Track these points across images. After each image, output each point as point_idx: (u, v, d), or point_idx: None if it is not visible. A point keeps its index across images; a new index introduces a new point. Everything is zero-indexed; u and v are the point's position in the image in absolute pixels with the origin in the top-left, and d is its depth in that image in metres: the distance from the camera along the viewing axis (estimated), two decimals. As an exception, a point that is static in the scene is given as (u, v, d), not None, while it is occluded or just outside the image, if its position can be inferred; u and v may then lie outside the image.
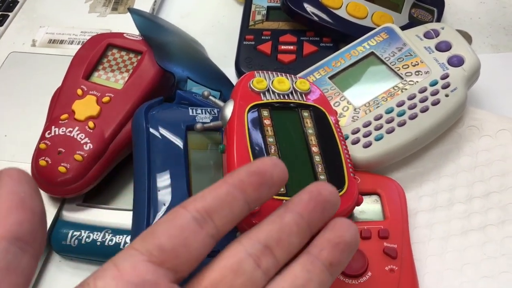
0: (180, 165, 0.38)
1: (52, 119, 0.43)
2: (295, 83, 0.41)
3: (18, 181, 0.23)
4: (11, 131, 0.48)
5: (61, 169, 0.40)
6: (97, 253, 0.40)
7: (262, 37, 0.54)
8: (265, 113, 0.38)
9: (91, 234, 0.40)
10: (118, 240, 0.40)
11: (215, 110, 0.42)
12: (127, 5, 0.59)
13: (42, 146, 0.41)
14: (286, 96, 0.40)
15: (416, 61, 0.45)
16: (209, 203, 0.25)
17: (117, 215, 0.42)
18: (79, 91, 0.44)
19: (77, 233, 0.40)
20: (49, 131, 0.42)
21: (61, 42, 0.56)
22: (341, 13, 0.53)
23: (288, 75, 0.41)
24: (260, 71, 0.41)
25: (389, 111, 0.43)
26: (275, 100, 0.39)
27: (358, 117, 0.43)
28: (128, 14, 0.51)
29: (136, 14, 0.50)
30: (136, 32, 0.51)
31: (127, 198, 0.43)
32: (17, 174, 0.23)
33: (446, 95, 0.43)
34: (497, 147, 0.44)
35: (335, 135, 0.39)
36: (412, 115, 0.42)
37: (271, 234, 0.25)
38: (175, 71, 0.45)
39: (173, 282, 0.24)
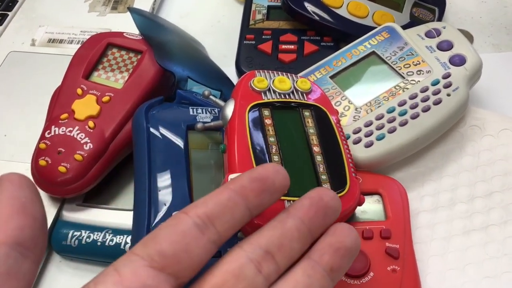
0: (180, 165, 0.38)
1: (52, 119, 0.42)
2: (296, 82, 0.41)
3: (19, 186, 0.23)
4: (11, 131, 0.48)
5: (61, 169, 0.40)
6: (97, 253, 0.40)
7: (263, 37, 0.54)
8: (266, 112, 0.38)
9: (91, 234, 0.40)
10: (119, 240, 0.40)
11: (216, 110, 0.42)
12: (127, 5, 0.59)
13: (42, 146, 0.41)
14: (287, 96, 0.40)
15: (418, 61, 0.45)
16: (210, 209, 0.25)
17: (117, 215, 0.41)
18: (79, 91, 0.44)
19: (77, 233, 0.40)
20: (49, 131, 0.41)
21: (61, 41, 0.56)
22: (342, 12, 0.53)
23: (289, 74, 0.41)
24: (261, 71, 0.40)
25: (391, 110, 0.43)
26: (276, 100, 0.39)
27: (359, 117, 0.43)
28: (128, 13, 0.51)
29: (136, 14, 0.50)
30: (136, 31, 0.50)
31: (127, 198, 0.43)
32: (18, 179, 0.23)
33: (448, 95, 0.43)
34: (499, 147, 0.44)
35: (337, 135, 0.39)
36: (413, 115, 0.42)
37: (273, 240, 0.25)
38: (176, 70, 0.45)
39: (174, 286, 0.23)
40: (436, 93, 0.43)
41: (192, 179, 0.39)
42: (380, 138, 0.41)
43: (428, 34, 0.47)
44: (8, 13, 0.60)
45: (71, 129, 0.41)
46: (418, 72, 0.45)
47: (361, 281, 0.35)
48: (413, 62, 0.45)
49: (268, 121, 0.38)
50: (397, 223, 0.38)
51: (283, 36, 0.54)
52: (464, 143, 0.44)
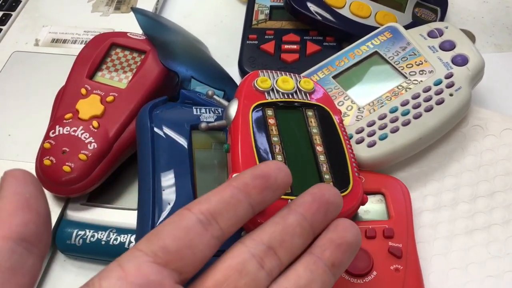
0: (184, 165, 0.38)
1: (56, 119, 0.43)
2: (299, 82, 0.41)
3: (23, 182, 0.23)
4: (15, 131, 0.48)
5: (66, 168, 0.40)
6: (101, 252, 0.40)
7: (265, 37, 0.54)
8: (269, 112, 0.38)
9: (95, 234, 0.40)
10: (123, 240, 0.40)
11: (219, 110, 0.42)
12: (130, 5, 0.59)
13: (47, 145, 0.41)
14: (290, 96, 0.40)
15: (420, 60, 0.45)
16: (214, 206, 0.25)
17: (121, 215, 0.42)
18: (83, 91, 0.44)
19: (82, 233, 0.40)
20: (53, 131, 0.42)
21: (64, 41, 0.56)
22: (345, 12, 0.53)
23: (292, 74, 0.41)
24: (264, 71, 0.41)
25: (393, 110, 0.43)
26: (279, 100, 0.39)
27: (362, 116, 0.43)
28: (131, 13, 0.51)
29: (140, 14, 0.50)
30: (139, 31, 0.51)
31: (131, 197, 0.43)
32: (22, 175, 0.24)
33: (450, 94, 0.43)
34: (501, 147, 0.44)
35: (340, 135, 0.39)
36: (416, 115, 0.42)
37: (275, 235, 0.26)
38: (179, 70, 0.45)
39: (177, 283, 0.24)
40: (438, 93, 0.43)
41: (195, 179, 0.39)
42: (382, 137, 0.42)
43: (431, 34, 0.48)
44: (12, 13, 0.60)
45: (76, 128, 0.42)
46: (421, 72, 0.45)
47: (364, 280, 0.36)
48: (416, 62, 0.45)
49: (271, 121, 0.38)
50: (400, 223, 0.38)
51: (285, 36, 0.54)
52: (466, 143, 0.45)
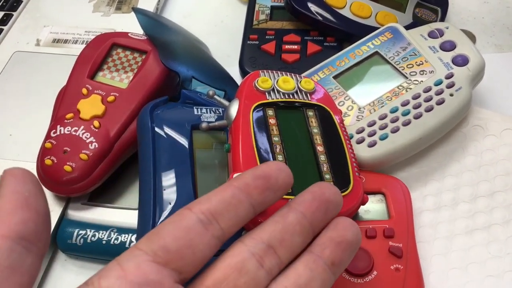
0: (185, 164, 0.38)
1: (57, 118, 0.43)
2: (300, 82, 0.41)
3: (22, 181, 0.23)
4: (16, 130, 0.49)
5: (67, 168, 0.40)
6: (102, 252, 0.40)
7: (266, 37, 0.54)
8: (270, 112, 0.38)
9: (96, 233, 0.40)
10: (124, 239, 0.40)
11: (220, 110, 0.43)
12: (131, 5, 0.59)
13: (48, 145, 0.41)
14: (291, 96, 0.40)
15: (421, 61, 0.45)
16: (214, 206, 0.25)
17: (122, 214, 0.42)
18: (84, 91, 0.44)
19: (83, 232, 0.41)
20: (54, 130, 0.42)
21: (65, 41, 0.56)
22: (345, 12, 0.53)
23: (293, 74, 0.41)
24: (265, 71, 0.41)
25: (394, 110, 0.43)
26: (280, 100, 0.39)
27: (362, 117, 0.43)
28: (132, 13, 0.52)
29: (141, 14, 0.50)
30: (140, 31, 0.51)
31: (132, 197, 0.43)
32: (21, 173, 0.24)
33: (451, 95, 0.43)
34: (501, 147, 0.44)
35: (340, 135, 0.39)
36: (416, 115, 0.42)
37: (274, 234, 0.26)
38: (180, 70, 0.45)
39: (177, 283, 0.24)
40: (439, 93, 0.43)
41: (196, 179, 0.39)
42: (383, 137, 0.42)
43: (431, 35, 0.48)
44: (13, 13, 0.60)
45: (77, 128, 0.42)
46: (421, 72, 0.45)
47: (364, 280, 0.36)
48: (416, 62, 0.45)
49: (272, 121, 0.38)
50: (400, 222, 0.39)
51: (286, 36, 0.54)
52: (466, 143, 0.45)
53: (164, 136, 0.39)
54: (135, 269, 0.23)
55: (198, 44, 0.55)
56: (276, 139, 0.37)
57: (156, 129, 0.39)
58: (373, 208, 0.40)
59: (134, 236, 0.40)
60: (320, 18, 0.53)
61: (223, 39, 0.58)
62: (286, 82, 0.40)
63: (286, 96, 0.40)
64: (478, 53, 0.46)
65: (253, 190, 0.26)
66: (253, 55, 0.53)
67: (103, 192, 0.43)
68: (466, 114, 0.45)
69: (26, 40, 0.57)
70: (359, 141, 0.42)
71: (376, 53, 0.47)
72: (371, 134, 0.42)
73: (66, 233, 0.41)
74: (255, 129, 0.37)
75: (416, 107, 0.43)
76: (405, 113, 0.43)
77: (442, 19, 0.55)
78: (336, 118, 0.40)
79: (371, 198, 0.40)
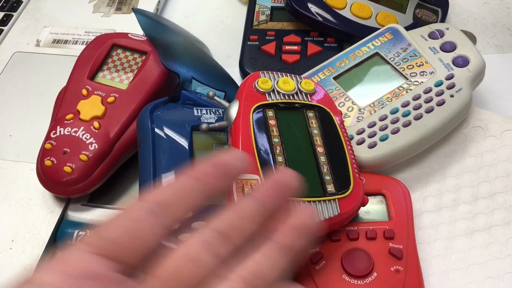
0: (185, 165, 0.38)
1: (57, 119, 0.43)
2: (300, 83, 0.41)
3: None
4: (16, 131, 0.49)
5: (67, 169, 0.40)
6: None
7: (266, 38, 0.54)
8: (270, 113, 0.38)
9: (96, 234, 0.40)
10: (124, 240, 0.40)
11: (220, 111, 0.43)
12: (131, 5, 0.59)
13: (48, 146, 0.41)
14: (291, 97, 0.40)
15: (421, 62, 0.45)
16: (165, 196, 0.25)
17: (122, 215, 0.42)
18: (84, 91, 0.44)
19: (83, 233, 0.40)
20: (54, 131, 0.42)
21: (65, 42, 0.56)
22: (345, 13, 0.53)
23: (293, 75, 0.41)
24: (265, 72, 0.41)
25: (394, 111, 0.43)
26: (280, 101, 0.39)
27: (363, 118, 0.43)
28: (132, 14, 0.52)
29: (141, 14, 0.50)
30: (140, 32, 0.51)
31: (132, 198, 0.43)
32: None
33: (451, 96, 0.43)
34: (502, 148, 0.44)
35: (340, 136, 0.39)
36: (417, 116, 0.42)
37: (228, 221, 0.25)
38: (180, 71, 0.45)
39: (119, 272, 0.23)
40: (439, 94, 0.43)
41: (196, 180, 0.39)
42: (383, 139, 0.42)
43: (431, 35, 0.48)
44: (13, 13, 0.60)
45: (76, 129, 0.42)
46: (422, 73, 0.45)
47: (364, 281, 0.36)
48: (417, 63, 0.45)
49: (272, 122, 0.38)
50: (400, 224, 0.38)
51: (286, 37, 0.54)
52: (467, 144, 0.45)
53: (164, 137, 0.39)
54: (75, 262, 0.23)
55: (198, 44, 0.55)
56: (276, 140, 0.37)
57: (156, 130, 0.39)
58: (374, 209, 0.40)
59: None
60: (320, 18, 0.53)
61: (223, 39, 0.58)
62: (286, 83, 0.40)
63: (286, 97, 0.40)
64: (479, 54, 0.46)
65: (207, 178, 0.26)
66: (253, 56, 0.53)
67: (103, 193, 0.43)
68: (466, 115, 0.45)
69: (26, 40, 0.57)
70: (360, 142, 0.42)
71: (377, 54, 0.47)
72: (371, 135, 0.42)
73: (66, 234, 0.41)
74: (255, 130, 0.37)
75: (417, 108, 0.43)
76: (406, 114, 0.42)
77: (443, 20, 0.55)
78: (336, 119, 0.40)
79: (371, 200, 0.40)
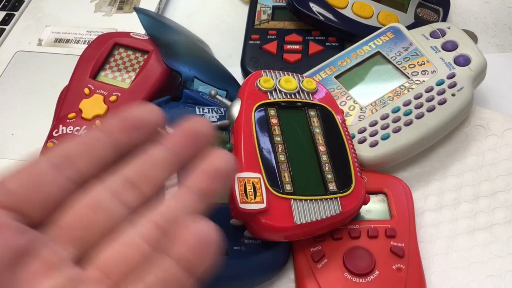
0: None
1: (59, 118, 0.43)
2: (302, 82, 0.41)
3: None
4: (18, 130, 0.49)
5: (69, 167, 0.40)
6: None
7: (268, 37, 0.54)
8: (272, 112, 0.38)
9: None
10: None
11: (222, 109, 0.43)
12: (133, 5, 0.60)
13: (50, 145, 0.41)
14: (293, 95, 0.40)
15: (423, 61, 0.45)
16: (70, 148, 0.24)
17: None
18: (86, 90, 0.44)
19: None
20: (56, 130, 0.42)
21: (67, 41, 0.56)
22: (347, 12, 0.53)
23: (294, 74, 0.41)
24: (267, 71, 0.41)
25: (396, 110, 0.43)
26: (282, 99, 0.39)
27: (364, 116, 0.43)
28: (134, 13, 0.52)
29: (143, 14, 0.50)
30: (142, 31, 0.51)
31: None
32: None
33: (453, 95, 0.43)
34: (503, 147, 0.44)
35: (342, 134, 0.39)
36: (418, 115, 0.42)
37: (135, 169, 0.24)
38: (182, 70, 0.45)
39: (20, 222, 0.23)
40: (441, 93, 0.43)
41: (198, 178, 0.39)
42: (385, 137, 0.42)
43: (433, 35, 0.48)
44: (15, 13, 0.60)
45: (79, 128, 0.42)
46: (423, 72, 0.45)
47: (366, 280, 0.36)
48: (418, 62, 0.45)
49: (274, 121, 0.38)
50: (402, 222, 0.39)
51: (288, 36, 0.54)
52: (468, 143, 0.45)
53: (166, 135, 0.39)
54: None
55: (200, 44, 0.55)
56: (278, 139, 0.37)
57: (158, 129, 0.39)
58: (375, 208, 0.40)
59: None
60: (322, 18, 0.53)
61: (225, 39, 0.58)
62: (288, 82, 0.40)
63: (288, 96, 0.40)
64: (480, 53, 0.46)
65: (115, 130, 0.25)
66: (255, 55, 0.53)
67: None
68: (468, 114, 0.45)
69: (28, 40, 0.57)
70: (361, 141, 0.42)
71: (378, 53, 0.47)
72: (373, 134, 0.42)
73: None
74: (257, 129, 0.37)
75: (418, 107, 0.43)
76: (407, 113, 0.43)
77: (444, 19, 0.55)
78: (338, 118, 0.40)
79: (373, 198, 0.40)
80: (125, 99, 0.44)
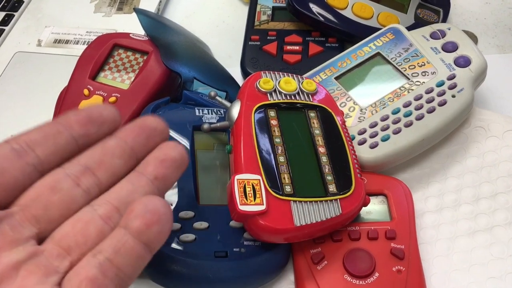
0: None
1: (58, 119, 0.43)
2: (302, 83, 0.41)
3: None
4: (17, 131, 0.48)
5: (68, 169, 0.40)
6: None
7: (268, 38, 0.54)
8: (272, 113, 0.38)
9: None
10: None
11: (222, 111, 0.42)
12: (132, 5, 0.59)
13: (49, 146, 0.41)
14: (292, 97, 0.40)
15: (423, 62, 0.45)
16: (31, 137, 0.26)
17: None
18: (86, 91, 0.44)
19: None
20: (55, 131, 0.42)
21: (67, 42, 0.56)
22: (347, 13, 0.53)
23: (294, 75, 0.41)
24: (266, 72, 0.41)
25: (396, 111, 0.43)
26: (281, 101, 0.39)
27: (364, 118, 0.43)
28: (133, 14, 0.51)
29: (142, 14, 0.50)
30: (141, 32, 0.51)
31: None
32: None
33: (453, 96, 0.43)
34: (503, 148, 0.44)
35: (342, 136, 0.39)
36: (418, 116, 0.42)
37: (92, 157, 0.26)
38: (182, 71, 0.45)
39: None
40: (441, 94, 0.43)
41: (198, 180, 0.39)
42: (385, 139, 0.42)
43: (433, 36, 0.48)
44: (14, 13, 0.60)
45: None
46: (423, 73, 0.45)
47: (366, 282, 0.36)
48: (418, 63, 0.45)
49: (274, 122, 0.38)
50: (402, 224, 0.38)
51: (288, 37, 0.54)
52: (468, 144, 0.45)
53: (166, 137, 0.39)
54: None
55: (199, 44, 0.55)
56: (277, 140, 0.37)
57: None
58: (375, 209, 0.40)
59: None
60: (321, 19, 0.52)
61: (225, 39, 0.58)
62: (288, 83, 0.40)
63: (288, 97, 0.40)
64: (480, 54, 0.46)
65: (74, 124, 0.27)
66: (255, 56, 0.53)
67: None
68: (468, 116, 0.45)
69: (27, 40, 0.57)
70: (361, 143, 0.42)
71: (378, 54, 0.47)
72: (373, 136, 0.42)
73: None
74: (257, 130, 0.37)
75: (418, 108, 0.43)
76: (407, 115, 0.42)
77: (444, 20, 0.55)
78: (338, 119, 0.40)
79: (373, 200, 0.40)
80: (125, 100, 0.44)
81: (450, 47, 0.46)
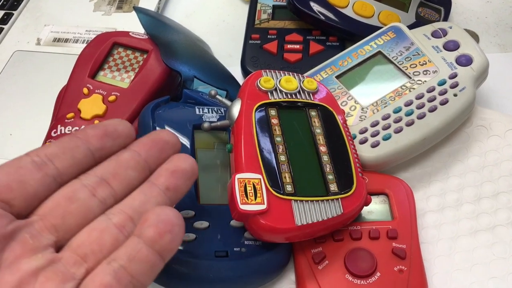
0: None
1: (58, 118, 0.42)
2: (303, 82, 0.41)
3: None
4: (17, 130, 0.48)
5: (67, 168, 0.40)
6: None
7: (268, 36, 0.54)
8: (272, 112, 0.38)
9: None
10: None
11: (222, 109, 0.42)
12: (132, 4, 0.59)
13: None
14: (293, 95, 0.40)
15: (424, 61, 0.45)
16: (51, 150, 0.27)
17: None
18: (85, 90, 0.44)
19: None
20: (55, 130, 0.41)
21: (66, 40, 0.56)
22: (348, 12, 0.53)
23: (295, 74, 0.41)
24: (267, 70, 0.40)
25: (397, 110, 0.43)
26: (282, 99, 0.39)
27: (365, 117, 0.43)
28: (133, 13, 0.51)
29: (142, 13, 0.50)
30: (141, 30, 0.50)
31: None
32: None
33: (455, 95, 0.43)
34: (505, 147, 0.44)
35: (343, 135, 0.39)
36: (420, 115, 0.42)
37: (108, 169, 0.28)
38: (182, 70, 0.45)
39: (6, 211, 0.25)
40: (442, 93, 0.43)
41: (198, 179, 0.39)
42: (386, 138, 0.41)
43: (435, 34, 0.47)
44: (13, 12, 0.60)
45: (77, 128, 0.41)
46: (425, 72, 0.44)
47: (367, 281, 0.35)
48: (420, 62, 0.45)
49: (274, 121, 0.38)
50: (403, 223, 0.38)
51: (288, 36, 0.54)
52: (470, 143, 0.44)
53: (166, 136, 0.39)
54: None
55: (199, 43, 0.55)
56: (278, 139, 0.37)
57: (158, 129, 0.39)
58: (376, 209, 0.40)
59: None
60: (322, 17, 0.52)
61: (225, 38, 0.58)
62: (288, 82, 0.40)
63: (289, 96, 0.39)
64: (482, 53, 0.46)
65: (92, 138, 0.28)
66: (255, 55, 0.53)
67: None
68: (469, 114, 0.45)
69: (26, 39, 0.56)
70: (362, 142, 0.42)
71: (379, 52, 0.46)
72: (374, 134, 0.42)
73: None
74: (258, 129, 0.36)
75: (420, 107, 0.42)
76: (409, 113, 0.42)
77: (445, 19, 0.55)
78: (339, 118, 0.40)
79: (374, 199, 0.40)
80: (124, 99, 0.43)
81: (451, 46, 0.46)
